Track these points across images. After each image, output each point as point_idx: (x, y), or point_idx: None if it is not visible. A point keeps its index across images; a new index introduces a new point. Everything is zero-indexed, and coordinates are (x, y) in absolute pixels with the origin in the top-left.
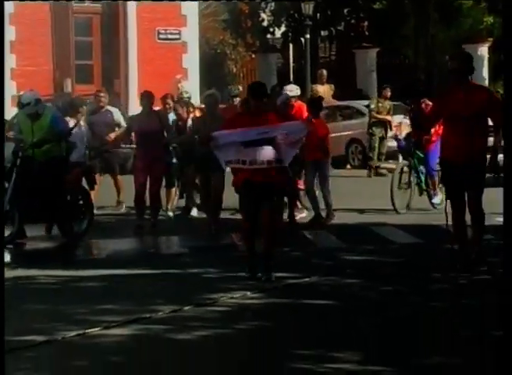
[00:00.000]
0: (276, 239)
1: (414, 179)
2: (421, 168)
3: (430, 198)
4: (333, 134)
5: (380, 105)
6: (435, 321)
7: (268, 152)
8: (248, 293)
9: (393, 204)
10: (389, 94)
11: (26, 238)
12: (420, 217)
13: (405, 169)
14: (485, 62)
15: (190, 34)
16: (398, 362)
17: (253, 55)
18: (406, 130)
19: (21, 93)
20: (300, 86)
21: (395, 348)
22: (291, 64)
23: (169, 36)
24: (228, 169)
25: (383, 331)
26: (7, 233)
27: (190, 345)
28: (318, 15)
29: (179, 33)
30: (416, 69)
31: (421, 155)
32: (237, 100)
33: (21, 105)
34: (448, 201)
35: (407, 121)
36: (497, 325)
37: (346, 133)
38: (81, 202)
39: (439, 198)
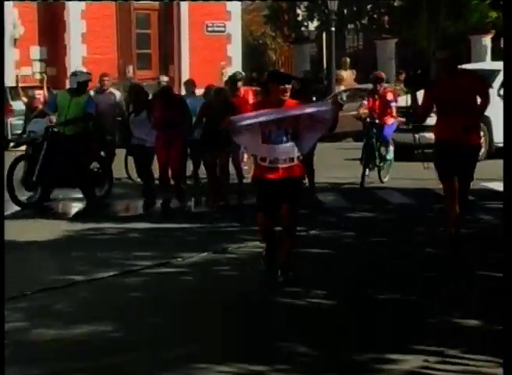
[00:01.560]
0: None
1: (371, 155)
2: (377, 145)
3: (380, 173)
4: (354, 112)
5: (398, 87)
6: (406, 265)
7: (289, 149)
8: (258, 243)
9: (363, 177)
10: (403, 78)
11: (50, 201)
12: (418, 182)
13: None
14: (488, 51)
15: (234, 27)
16: (368, 298)
17: (291, 46)
18: (362, 110)
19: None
20: (328, 71)
21: (366, 288)
22: (324, 53)
23: (216, 28)
24: None
25: (364, 274)
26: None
27: (198, 286)
28: (346, 10)
29: (225, 27)
30: (429, 58)
31: (375, 130)
32: (240, 84)
33: (73, 73)
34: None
35: (365, 103)
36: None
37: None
38: (101, 170)
39: (391, 154)
